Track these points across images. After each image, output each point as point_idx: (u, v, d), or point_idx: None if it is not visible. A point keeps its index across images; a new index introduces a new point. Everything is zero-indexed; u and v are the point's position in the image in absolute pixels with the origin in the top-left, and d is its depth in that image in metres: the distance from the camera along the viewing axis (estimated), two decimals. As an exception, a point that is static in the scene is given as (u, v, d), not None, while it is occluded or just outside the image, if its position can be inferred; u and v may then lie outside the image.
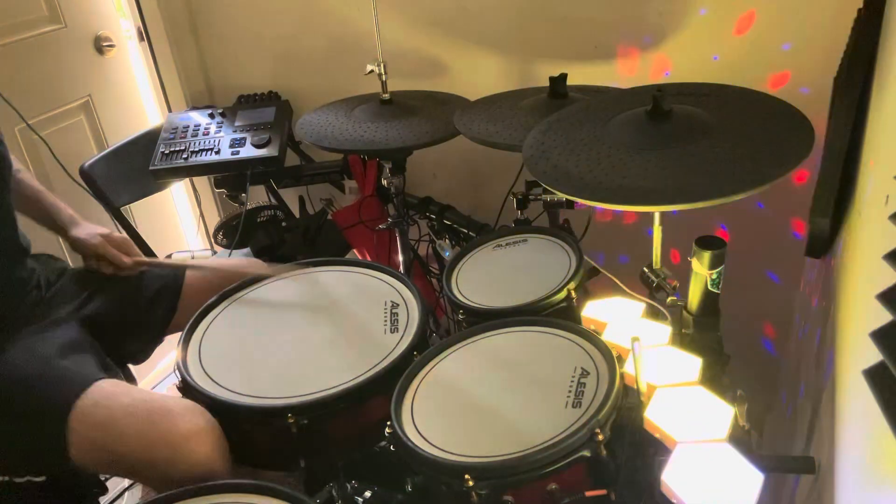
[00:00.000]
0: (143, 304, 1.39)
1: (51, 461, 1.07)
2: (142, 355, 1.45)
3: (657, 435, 0.87)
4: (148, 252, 2.00)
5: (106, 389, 1.09)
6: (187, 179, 2.38)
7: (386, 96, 1.70)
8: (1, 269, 1.22)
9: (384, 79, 1.69)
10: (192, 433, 1.03)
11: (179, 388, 1.12)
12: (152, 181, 2.00)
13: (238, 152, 1.95)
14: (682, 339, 1.19)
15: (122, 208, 1.95)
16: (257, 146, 1.95)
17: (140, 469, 1.05)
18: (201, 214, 2.45)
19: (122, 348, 1.39)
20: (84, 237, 1.36)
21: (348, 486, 1.20)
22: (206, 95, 2.37)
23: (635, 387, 0.92)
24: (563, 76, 1.48)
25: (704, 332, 1.17)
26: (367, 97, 1.79)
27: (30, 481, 1.09)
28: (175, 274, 1.44)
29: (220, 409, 1.06)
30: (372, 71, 1.68)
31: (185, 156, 1.96)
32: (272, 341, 1.17)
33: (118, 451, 1.04)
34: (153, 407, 1.07)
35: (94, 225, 1.40)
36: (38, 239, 1.39)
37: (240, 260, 1.66)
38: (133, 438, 1.03)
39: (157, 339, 1.44)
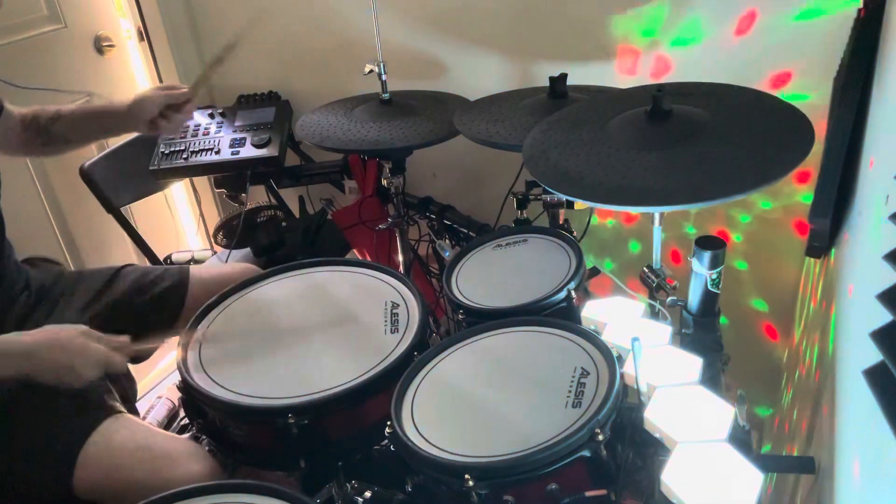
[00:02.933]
0: (146, 309, 1.39)
1: (53, 498, 1.10)
2: (143, 357, 1.45)
3: (657, 435, 0.87)
4: (148, 252, 2.00)
5: (110, 433, 1.11)
6: (187, 179, 2.38)
7: (386, 96, 1.70)
8: None
9: (384, 79, 1.69)
10: (193, 479, 1.07)
11: (179, 388, 1.12)
12: (152, 181, 2.00)
13: (238, 152, 1.95)
14: (682, 339, 1.19)
15: (122, 208, 1.95)
16: (257, 146, 1.95)
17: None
18: (201, 214, 2.45)
19: None
20: (139, 98, 1.33)
21: (348, 486, 1.19)
22: (206, 95, 2.37)
23: (635, 387, 0.92)
24: (563, 76, 1.48)
25: (704, 332, 1.17)
26: (367, 97, 1.79)
27: None
28: (180, 277, 1.44)
29: (220, 409, 1.06)
30: (372, 71, 1.68)
31: (185, 156, 1.96)
32: (271, 341, 1.17)
33: (121, 492, 1.08)
34: (156, 453, 1.10)
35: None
36: (35, 242, 1.39)
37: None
38: (135, 485, 1.07)
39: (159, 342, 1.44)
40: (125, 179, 1.97)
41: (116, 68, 2.22)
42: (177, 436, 1.19)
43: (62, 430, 1.10)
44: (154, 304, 1.39)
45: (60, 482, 1.07)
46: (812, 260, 1.43)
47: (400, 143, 1.54)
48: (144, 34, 2.24)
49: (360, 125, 1.63)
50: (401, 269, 1.86)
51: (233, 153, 1.94)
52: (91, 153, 2.02)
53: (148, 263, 1.98)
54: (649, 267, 1.24)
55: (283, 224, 2.08)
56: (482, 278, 1.31)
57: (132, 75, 2.30)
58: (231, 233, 2.00)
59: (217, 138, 2.00)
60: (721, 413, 0.86)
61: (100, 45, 2.14)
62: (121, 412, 1.17)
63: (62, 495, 1.07)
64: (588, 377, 0.97)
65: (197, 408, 1.11)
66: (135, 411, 1.42)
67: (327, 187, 2.18)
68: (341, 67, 2.10)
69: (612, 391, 0.91)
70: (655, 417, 0.87)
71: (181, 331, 1.19)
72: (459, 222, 1.85)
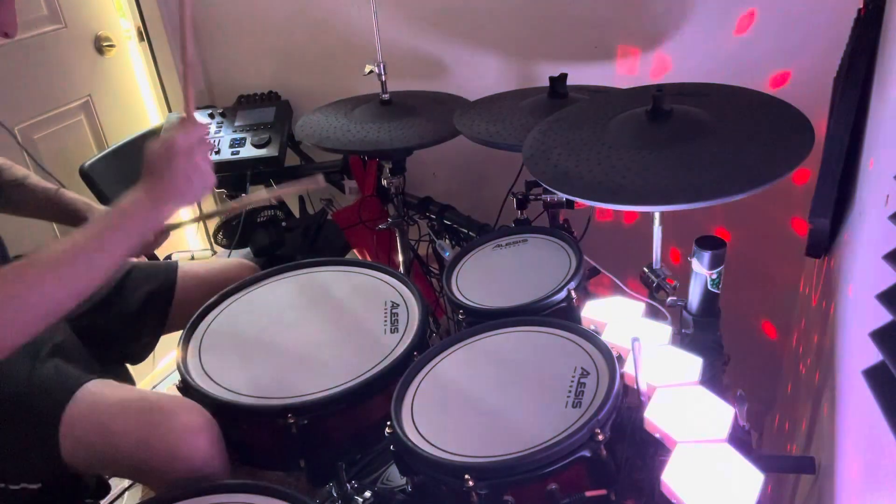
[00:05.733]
0: (135, 307, 1.36)
1: (45, 469, 1.06)
2: (139, 356, 1.44)
3: (657, 435, 0.87)
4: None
5: (95, 392, 1.07)
6: (187, 179, 2.37)
7: (386, 97, 1.70)
8: None
9: (384, 79, 1.69)
10: (188, 430, 1.02)
11: (179, 388, 1.12)
12: (152, 181, 2.00)
13: (238, 152, 1.95)
14: (682, 339, 1.19)
15: (122, 208, 1.95)
16: (257, 146, 1.95)
17: (138, 468, 1.04)
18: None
19: (118, 350, 1.39)
20: None
21: (348, 486, 1.19)
22: (206, 95, 2.37)
23: (635, 387, 0.93)
24: (563, 76, 1.48)
25: (704, 332, 1.17)
26: (367, 97, 1.79)
27: (25, 488, 1.07)
28: (167, 272, 1.42)
29: (220, 409, 1.06)
30: (372, 71, 1.68)
31: (185, 156, 1.96)
32: (272, 341, 1.17)
33: (114, 452, 1.03)
34: (147, 405, 1.05)
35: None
36: (35, 242, 1.36)
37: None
38: (128, 438, 1.02)
39: (153, 340, 1.43)
40: (125, 179, 1.94)
41: (116, 68, 2.22)
42: (170, 394, 1.15)
43: (42, 397, 1.05)
44: (142, 303, 1.38)
45: (47, 450, 1.02)
46: (812, 260, 1.43)
47: (400, 144, 1.54)
48: (144, 34, 2.24)
49: (360, 126, 1.63)
50: (401, 269, 1.86)
51: (233, 153, 1.95)
52: (91, 153, 2.03)
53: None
54: (649, 267, 1.24)
55: (283, 224, 2.08)
56: (482, 278, 1.31)
57: (132, 75, 2.30)
58: (231, 233, 2.00)
59: (217, 138, 2.00)
60: (721, 413, 0.86)
61: (100, 45, 2.14)
62: (102, 377, 1.13)
63: (52, 465, 1.03)
64: (588, 377, 0.97)
65: (197, 408, 1.11)
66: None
67: (327, 187, 2.18)
68: (341, 67, 2.10)
69: (612, 391, 0.91)
70: (655, 417, 0.87)
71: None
72: (459, 222, 1.85)
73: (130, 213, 0.97)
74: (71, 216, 1.33)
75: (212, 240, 2.15)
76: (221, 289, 1.30)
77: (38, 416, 1.04)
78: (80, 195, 1.36)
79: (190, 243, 2.53)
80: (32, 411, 1.05)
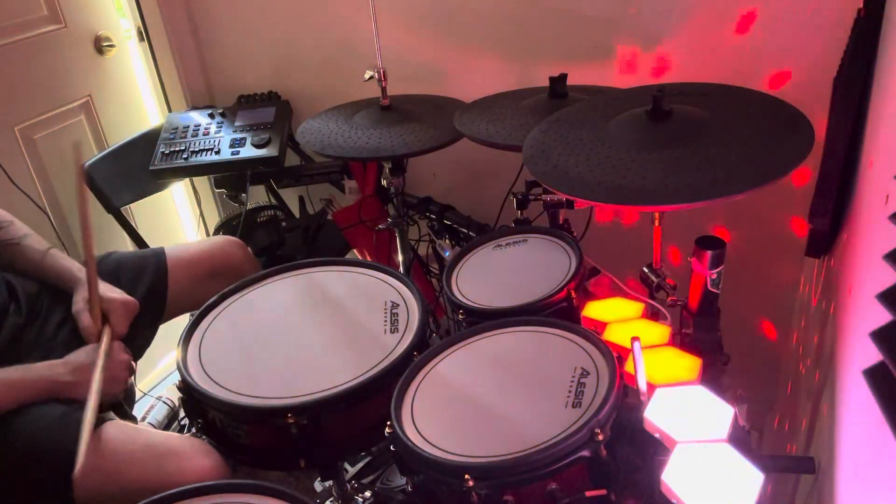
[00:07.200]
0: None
1: None
2: (137, 354, 1.44)
3: (657, 435, 0.87)
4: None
5: (107, 440, 1.09)
6: (187, 179, 2.38)
7: (386, 102, 1.70)
8: None
9: (384, 85, 1.68)
10: (199, 476, 1.05)
11: (179, 388, 1.12)
12: (152, 181, 2.01)
13: (238, 152, 1.95)
14: (682, 339, 1.19)
15: (122, 208, 1.96)
16: (257, 146, 1.95)
17: None
18: (201, 214, 2.45)
19: None
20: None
21: (348, 486, 1.20)
22: (206, 95, 2.37)
23: (635, 387, 0.93)
24: (563, 76, 1.48)
25: (704, 332, 1.17)
26: (367, 102, 1.78)
27: None
28: (157, 263, 1.43)
29: (219, 409, 1.06)
30: (372, 77, 1.67)
31: (185, 156, 1.96)
32: (272, 341, 1.17)
33: (130, 497, 1.04)
34: (158, 452, 1.09)
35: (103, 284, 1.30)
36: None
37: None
38: (140, 486, 1.05)
39: (151, 335, 1.43)
40: (125, 179, 1.97)
41: (116, 68, 2.22)
42: (178, 434, 1.18)
43: (54, 444, 1.07)
44: (142, 300, 1.37)
45: (60, 495, 1.05)
46: (812, 260, 1.43)
47: (401, 150, 1.54)
48: (144, 34, 2.24)
49: (360, 132, 1.63)
50: (401, 269, 1.86)
51: (233, 153, 1.95)
52: (91, 153, 2.03)
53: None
54: (649, 267, 1.24)
55: (283, 224, 2.08)
56: (482, 278, 1.31)
57: (132, 75, 2.30)
58: (231, 233, 2.00)
59: (217, 138, 2.00)
60: (721, 413, 0.86)
61: (100, 45, 2.14)
62: (112, 419, 1.15)
63: None
64: (588, 377, 0.97)
65: (197, 408, 1.11)
66: (132, 415, 1.41)
67: (327, 187, 2.18)
68: (341, 68, 2.10)
69: (612, 391, 0.91)
70: (655, 417, 0.87)
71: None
72: (459, 222, 1.85)
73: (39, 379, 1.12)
74: (60, 279, 1.32)
75: (212, 240, 2.15)
76: (210, 268, 1.30)
77: (49, 467, 1.07)
78: (69, 259, 1.35)
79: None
80: (44, 461, 1.07)
